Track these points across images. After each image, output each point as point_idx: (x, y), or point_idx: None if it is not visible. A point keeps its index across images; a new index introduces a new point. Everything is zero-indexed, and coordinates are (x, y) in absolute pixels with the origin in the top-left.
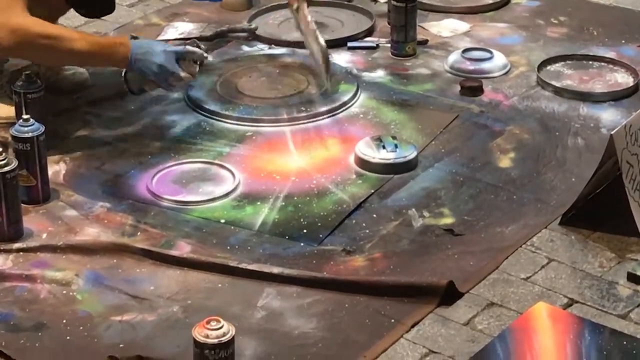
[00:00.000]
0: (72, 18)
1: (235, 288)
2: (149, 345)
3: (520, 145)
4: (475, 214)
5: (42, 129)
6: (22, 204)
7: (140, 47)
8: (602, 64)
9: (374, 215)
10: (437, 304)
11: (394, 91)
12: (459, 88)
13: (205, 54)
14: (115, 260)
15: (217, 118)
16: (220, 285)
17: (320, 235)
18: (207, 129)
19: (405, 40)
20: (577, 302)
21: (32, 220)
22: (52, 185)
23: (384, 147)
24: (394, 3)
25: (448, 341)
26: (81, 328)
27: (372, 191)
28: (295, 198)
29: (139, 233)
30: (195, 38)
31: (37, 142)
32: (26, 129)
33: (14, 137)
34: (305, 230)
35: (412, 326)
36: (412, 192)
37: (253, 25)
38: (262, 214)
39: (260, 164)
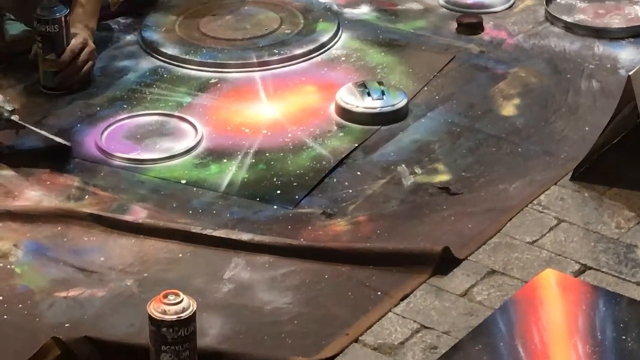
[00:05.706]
0: None
1: (198, 258)
2: (99, 324)
3: (526, 90)
4: (475, 169)
5: (67, 9)
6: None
7: None
8: None
9: (358, 173)
10: (430, 273)
11: (381, 30)
12: (455, 25)
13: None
14: (59, 228)
15: (177, 63)
16: (180, 255)
17: (296, 197)
18: (165, 75)
19: None
20: (590, 268)
21: None
22: None
23: (369, 95)
24: None
25: (443, 315)
26: (20, 306)
27: (356, 145)
28: (267, 154)
29: (87, 196)
30: None
31: (64, 23)
32: (55, 8)
33: (41, 20)
34: (278, 191)
35: (402, 299)
36: (401, 146)
37: None
38: (229, 173)
39: (226, 115)
